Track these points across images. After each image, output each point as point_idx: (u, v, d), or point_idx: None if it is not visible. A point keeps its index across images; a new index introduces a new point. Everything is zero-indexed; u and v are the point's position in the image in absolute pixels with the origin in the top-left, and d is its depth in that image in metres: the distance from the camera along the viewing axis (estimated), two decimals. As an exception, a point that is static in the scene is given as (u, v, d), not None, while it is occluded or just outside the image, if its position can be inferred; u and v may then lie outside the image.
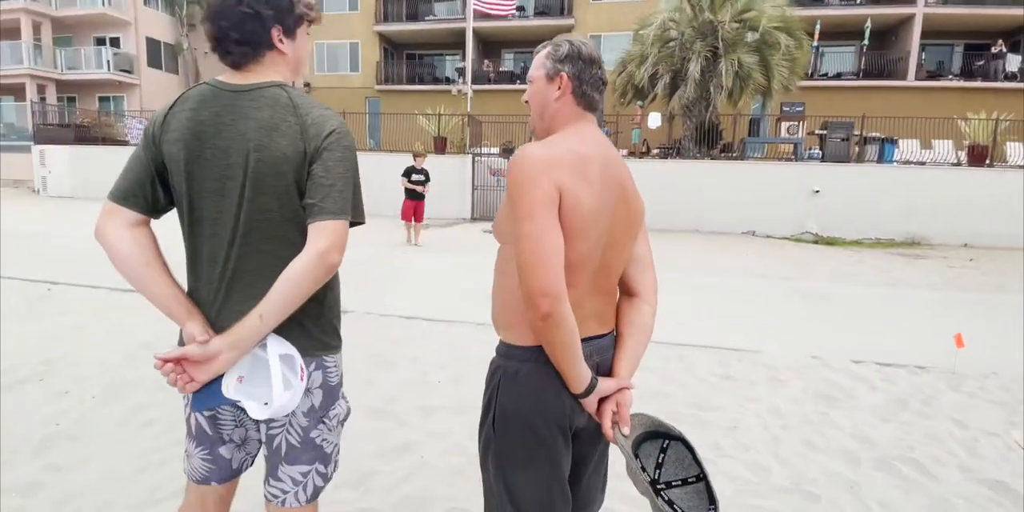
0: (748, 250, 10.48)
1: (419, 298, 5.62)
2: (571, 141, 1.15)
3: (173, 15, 23.08)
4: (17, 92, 21.48)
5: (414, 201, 9.48)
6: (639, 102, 14.77)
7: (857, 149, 13.46)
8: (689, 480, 1.21)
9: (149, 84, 22.32)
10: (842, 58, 19.36)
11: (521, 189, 1.07)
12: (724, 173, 12.91)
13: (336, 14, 21.32)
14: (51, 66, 21.31)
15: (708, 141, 14.09)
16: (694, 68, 12.33)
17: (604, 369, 1.22)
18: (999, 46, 17.36)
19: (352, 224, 1.19)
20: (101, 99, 22.34)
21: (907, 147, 13.99)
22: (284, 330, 1.16)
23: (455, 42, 21.15)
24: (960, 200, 12.01)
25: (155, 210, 1.22)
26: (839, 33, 18.68)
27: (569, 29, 19.75)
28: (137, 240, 1.18)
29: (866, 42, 17.35)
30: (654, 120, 13.77)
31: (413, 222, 9.50)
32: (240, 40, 1.16)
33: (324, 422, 1.27)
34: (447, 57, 22.59)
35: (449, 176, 13.26)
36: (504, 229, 1.18)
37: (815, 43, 17.15)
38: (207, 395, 1.15)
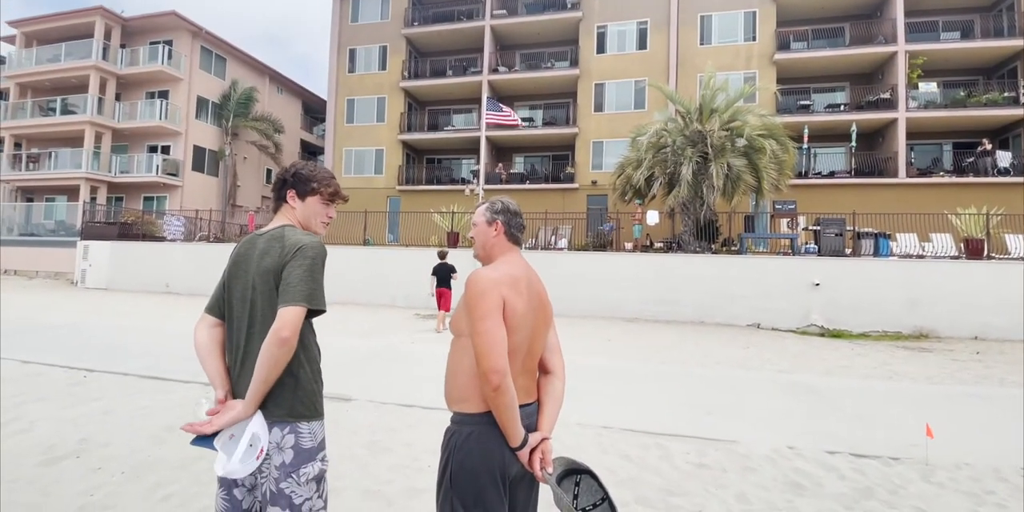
0: (750, 342, 10.61)
1: (417, 387, 5.95)
2: (506, 267, 1.73)
3: (219, 126, 25.67)
4: (71, 192, 23.50)
5: (444, 289, 10.77)
6: (638, 201, 15.78)
7: (852, 244, 13.99)
8: (598, 503, 1.63)
9: (191, 185, 24.33)
10: (834, 158, 20.59)
11: (479, 299, 1.61)
12: (725, 266, 13.38)
13: (366, 125, 23.67)
14: (106, 170, 23.37)
15: (707, 236, 14.81)
16: (686, 171, 13.40)
17: (531, 428, 1.69)
18: (985, 145, 18.40)
19: (314, 312, 1.68)
20: (146, 199, 24.26)
21: (906, 241, 14.45)
22: (267, 398, 1.65)
23: (471, 148, 23.15)
24: (965, 292, 11.97)
25: (223, 317, 1.80)
26: (829, 136, 20.07)
27: (574, 137, 21.58)
28: (211, 336, 1.77)
29: (854, 144, 18.58)
30: (652, 217, 14.63)
31: (441, 311, 10.70)
32: (275, 192, 1.86)
33: (293, 477, 1.62)
34: (463, 160, 24.55)
35: (461, 268, 13.98)
36: (460, 326, 1.71)
37: (805, 145, 18.45)
38: (206, 440, 1.63)
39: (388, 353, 7.95)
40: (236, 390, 1.69)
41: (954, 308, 12.01)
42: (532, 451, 1.64)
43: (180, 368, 6.20)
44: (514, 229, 1.82)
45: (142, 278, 17.45)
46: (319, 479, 1.69)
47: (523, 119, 22.71)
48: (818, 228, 13.94)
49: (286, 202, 1.83)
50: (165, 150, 24.24)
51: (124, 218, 20.15)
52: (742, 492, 3.48)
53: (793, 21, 20.74)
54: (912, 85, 19.01)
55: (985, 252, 12.88)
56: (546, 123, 22.77)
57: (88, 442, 3.78)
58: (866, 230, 14.11)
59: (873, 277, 12.60)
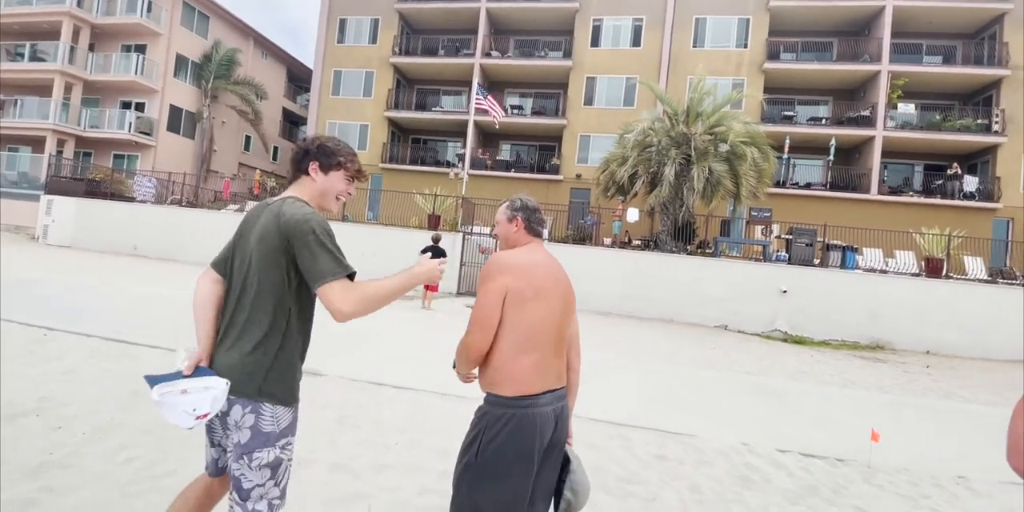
0: (717, 343, 10.89)
1: (388, 366, 5.98)
2: (524, 253, 1.88)
3: (199, 87, 24.83)
4: (36, 144, 22.49)
5: None
6: (621, 197, 15.94)
7: (821, 255, 14.43)
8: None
9: (165, 146, 23.54)
10: (812, 170, 21.10)
11: (486, 279, 1.77)
12: (698, 268, 13.67)
13: (351, 98, 23.20)
14: (75, 123, 22.41)
15: (684, 237, 15.07)
16: (669, 172, 13.59)
17: (563, 413, 1.84)
18: (954, 169, 19.09)
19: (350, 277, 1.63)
20: (116, 156, 23.36)
21: (871, 255, 14.96)
22: (239, 372, 1.60)
23: (458, 131, 22.95)
24: (922, 309, 12.47)
25: (225, 275, 1.79)
26: (808, 148, 20.53)
27: (562, 128, 21.59)
28: (212, 291, 1.77)
29: (831, 158, 19.06)
30: (632, 215, 14.82)
31: (428, 291, 11.32)
32: (294, 163, 1.81)
33: (244, 458, 1.58)
34: (449, 143, 24.34)
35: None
36: None
37: (786, 155, 18.85)
38: (163, 378, 1.62)
39: (362, 331, 7.93)
40: (214, 355, 1.67)
41: (910, 323, 12.53)
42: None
43: (147, 333, 6.09)
44: (534, 223, 1.97)
45: (109, 238, 16.91)
46: (275, 467, 1.62)
47: (512, 106, 22.60)
48: (790, 237, 14.33)
49: (307, 174, 1.77)
50: (139, 107, 23.33)
51: (93, 175, 19.42)
52: (696, 483, 3.63)
53: (785, 32, 21.04)
54: (892, 105, 19.54)
55: (944, 271, 13.42)
56: (535, 112, 22.70)
57: (48, 401, 3.71)
58: (835, 242, 14.56)
59: (838, 288, 13.04)
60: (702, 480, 3.70)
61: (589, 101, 21.43)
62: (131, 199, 18.15)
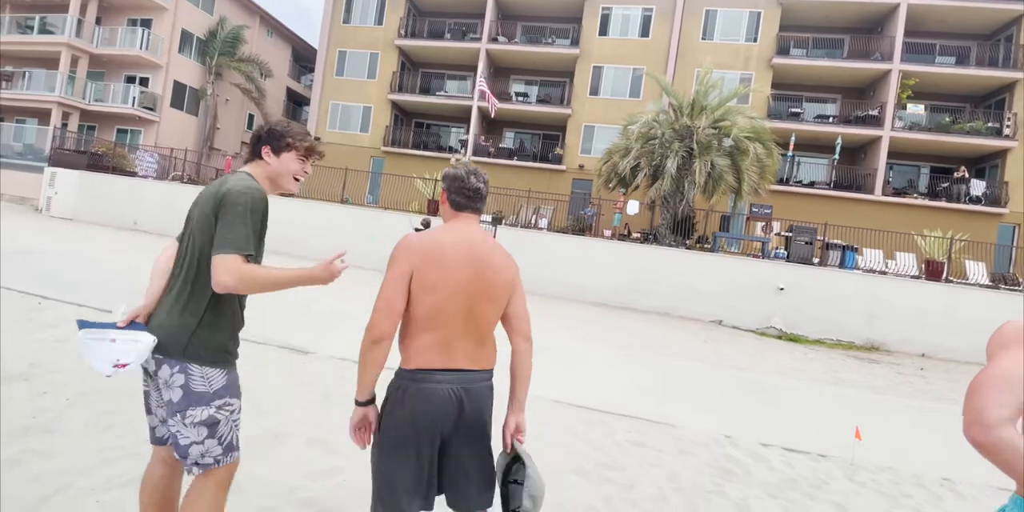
0: (710, 337, 10.91)
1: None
2: (440, 232, 1.78)
3: (203, 64, 24.66)
4: (42, 116, 22.48)
5: None
6: (622, 189, 15.86)
7: (820, 253, 14.39)
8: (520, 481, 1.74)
9: (168, 122, 23.47)
10: (816, 168, 20.96)
11: (390, 263, 1.71)
12: (696, 262, 13.64)
13: (355, 79, 23.01)
14: (80, 96, 22.40)
15: (683, 231, 15.03)
16: (671, 165, 13.48)
17: (472, 397, 1.74)
18: (961, 171, 18.93)
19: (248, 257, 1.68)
20: (120, 131, 23.33)
21: (872, 256, 14.92)
22: (167, 333, 1.70)
23: (461, 116, 22.76)
24: (920, 311, 12.37)
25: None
26: (814, 146, 20.37)
27: (566, 118, 21.41)
28: (168, 257, 1.87)
29: (836, 157, 18.92)
30: (632, 207, 14.76)
31: None
32: (250, 147, 1.91)
33: (178, 416, 1.67)
34: (452, 128, 24.15)
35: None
36: None
37: (791, 153, 18.72)
38: (95, 325, 1.71)
39: (351, 310, 7.94)
40: (154, 313, 1.77)
41: (907, 325, 12.46)
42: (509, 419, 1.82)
43: (138, 304, 6.09)
44: (455, 194, 1.82)
45: (110, 212, 16.91)
46: (211, 425, 1.70)
47: (517, 94, 22.39)
48: (790, 234, 14.28)
49: (261, 157, 1.85)
50: (144, 82, 23.22)
51: (95, 148, 19.40)
52: (674, 472, 3.64)
53: (796, 27, 20.75)
54: (901, 105, 19.34)
55: (944, 275, 13.36)
56: (540, 100, 22.49)
57: (38, 367, 3.74)
58: (835, 241, 14.50)
59: (836, 287, 12.99)
60: (681, 469, 3.71)
61: (595, 91, 21.22)
62: (132, 174, 18.14)
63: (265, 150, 1.84)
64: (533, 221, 15.79)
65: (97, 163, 18.16)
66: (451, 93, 23.13)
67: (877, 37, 20.15)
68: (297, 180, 1.91)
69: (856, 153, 20.83)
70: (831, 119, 20.46)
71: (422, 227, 12.09)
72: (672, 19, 20.50)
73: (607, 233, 15.52)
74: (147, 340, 1.66)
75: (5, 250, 8.36)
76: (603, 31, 21.24)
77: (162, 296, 1.79)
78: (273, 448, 3.16)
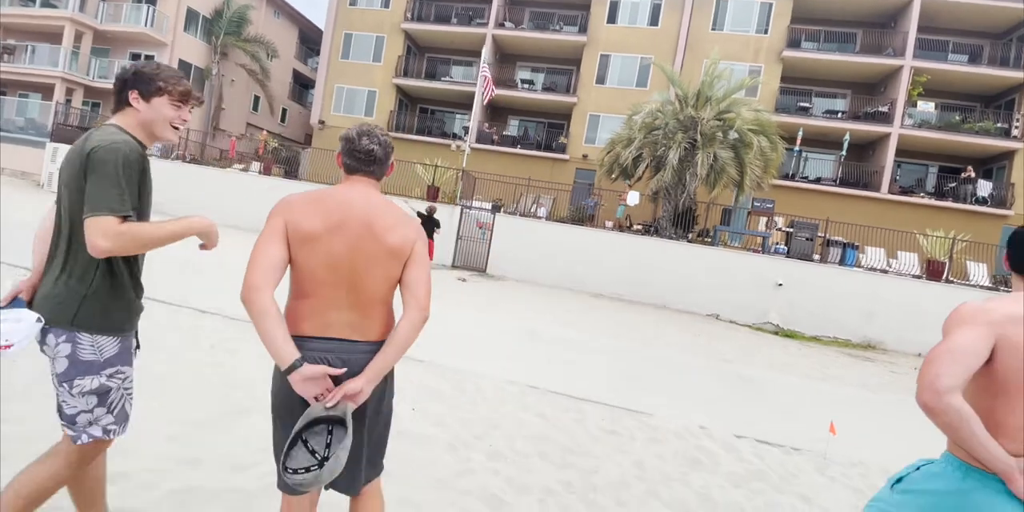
0: (704, 331, 10.86)
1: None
2: (326, 191, 1.70)
3: (209, 43, 24.52)
4: (45, 91, 22.45)
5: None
6: (626, 180, 15.72)
7: (821, 250, 14.28)
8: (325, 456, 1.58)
9: (173, 101, 23.38)
10: (823, 164, 20.74)
11: (268, 216, 1.62)
12: (695, 255, 13.57)
13: (360, 63, 22.84)
14: (84, 72, 22.36)
15: (684, 224, 14.92)
16: (673, 156, 13.36)
17: (354, 368, 1.61)
18: (968, 172, 18.69)
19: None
20: (124, 109, 23.30)
21: (874, 254, 14.79)
22: (52, 301, 1.62)
23: (466, 102, 22.57)
24: (918, 311, 12.22)
25: None
26: (821, 141, 20.13)
27: (572, 106, 21.23)
28: (49, 223, 1.76)
29: (844, 153, 18.69)
30: (633, 198, 14.65)
31: None
32: (114, 95, 1.72)
33: (64, 386, 1.62)
34: (457, 115, 24.00)
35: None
36: None
37: (797, 148, 18.51)
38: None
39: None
40: (41, 283, 1.68)
41: (905, 324, 12.35)
42: (339, 389, 1.58)
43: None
44: (346, 156, 1.71)
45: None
46: (101, 394, 1.64)
47: (523, 81, 22.20)
48: (791, 230, 14.16)
49: (129, 105, 1.69)
50: (148, 60, 23.12)
51: (97, 124, 19.33)
52: (641, 460, 3.62)
53: (808, 19, 20.36)
54: (911, 102, 19.05)
55: (945, 275, 13.24)
56: (546, 88, 22.26)
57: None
58: (836, 238, 14.38)
59: (835, 284, 12.91)
60: (648, 458, 3.69)
61: (601, 80, 20.97)
62: (134, 152, 18.11)
63: (133, 96, 1.67)
64: (532, 210, 15.72)
65: (100, 140, 18.14)
66: (456, 79, 22.94)
67: (890, 32, 19.80)
68: (176, 128, 1.75)
69: (864, 150, 20.58)
70: (840, 115, 20.19)
71: (425, 213, 11.96)
72: (682, 8, 20.19)
73: (609, 224, 15.44)
74: (30, 318, 1.57)
75: (5, 224, 8.38)
76: (611, 19, 20.94)
77: (46, 265, 1.69)
78: (236, 422, 3.16)
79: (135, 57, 23.06)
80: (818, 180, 20.04)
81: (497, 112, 23.09)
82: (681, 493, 3.23)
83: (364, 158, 1.70)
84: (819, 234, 14.17)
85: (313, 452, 1.57)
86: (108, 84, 22.13)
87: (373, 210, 1.65)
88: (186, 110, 1.75)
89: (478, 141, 20.77)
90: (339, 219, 1.61)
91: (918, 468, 1.51)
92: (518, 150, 21.05)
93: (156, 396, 3.33)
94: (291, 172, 19.32)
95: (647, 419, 4.47)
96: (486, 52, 18.57)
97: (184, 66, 23.74)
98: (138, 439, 2.75)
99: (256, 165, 17.64)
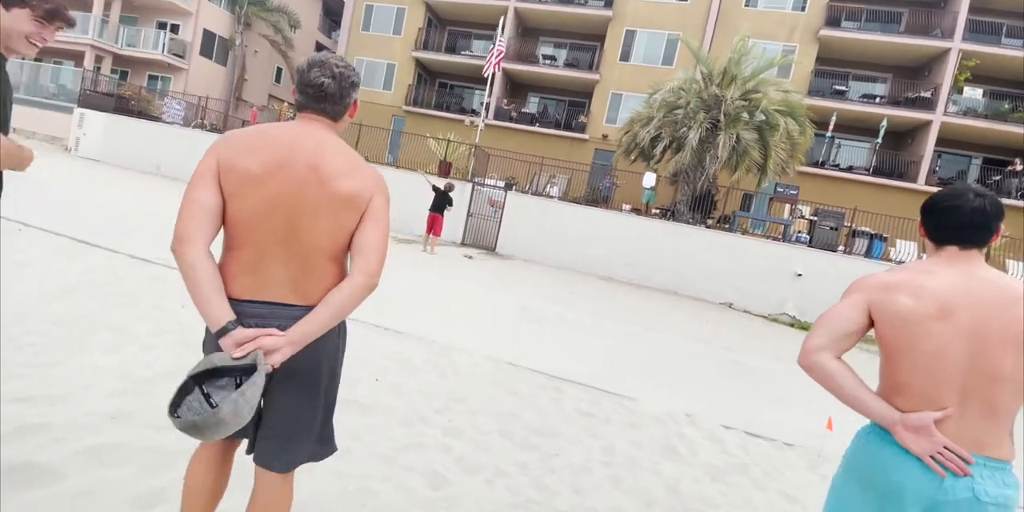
0: (712, 318, 10.49)
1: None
2: (270, 126, 1.49)
3: (233, 13, 24.44)
4: (77, 58, 22.72)
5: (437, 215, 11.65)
6: (646, 162, 15.19)
7: (846, 240, 13.66)
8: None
9: (197, 70, 23.50)
10: (856, 152, 19.79)
11: (203, 156, 1.42)
12: (710, 241, 13.11)
13: (381, 35, 22.48)
14: (112, 40, 22.54)
15: (702, 208, 14.40)
16: (693, 136, 12.77)
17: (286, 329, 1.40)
18: (1016, 164, 17.59)
19: None
20: (151, 77, 23.51)
21: (904, 248, 14.08)
22: None
23: (485, 77, 22.13)
24: (947, 308, 11.84)
25: None
26: (856, 127, 19.18)
27: (594, 84, 20.56)
28: None
29: (879, 140, 17.78)
30: (649, 180, 14.17)
31: (432, 236, 11.60)
32: None
33: None
34: (476, 90, 23.47)
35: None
36: None
37: (830, 133, 17.65)
38: None
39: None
40: None
41: (931, 321, 11.78)
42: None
43: (116, 239, 6.13)
44: (298, 92, 1.49)
45: (134, 155, 17.08)
46: None
47: (545, 57, 21.58)
48: (814, 218, 13.54)
49: None
50: (174, 29, 23.22)
51: (122, 92, 19.58)
52: (611, 445, 3.40)
53: (852, -3, 19.24)
54: (957, 88, 17.94)
55: (979, 272, 12.52)
56: (568, 64, 21.58)
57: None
58: (863, 229, 13.74)
59: (858, 277, 12.30)
60: (621, 443, 3.46)
61: (626, 56, 20.21)
62: (156, 119, 18.27)
63: None
64: (545, 189, 15.37)
65: (124, 106, 18.36)
66: (476, 53, 22.37)
67: (939, 12, 18.58)
68: (34, 45, 1.61)
69: (902, 138, 19.57)
70: (878, 99, 19.15)
71: (442, 189, 11.83)
72: (714, -18, 19.23)
73: (627, 207, 14.98)
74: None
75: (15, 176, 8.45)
76: (639, -8, 20.10)
77: None
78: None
79: (161, 26, 23.16)
80: (850, 168, 19.15)
81: (517, 88, 22.56)
82: (647, 482, 3.00)
83: (314, 93, 1.47)
84: (845, 223, 13.54)
85: (213, 405, 1.37)
86: (136, 52, 22.43)
87: (322, 152, 1.43)
88: (50, 30, 1.61)
89: (496, 118, 20.36)
90: (280, 159, 1.39)
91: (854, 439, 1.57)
92: (536, 128, 20.55)
93: (112, 351, 3.24)
94: (310, 145, 19.29)
95: (629, 403, 4.23)
96: (508, 25, 18.03)
97: (208, 36, 23.77)
98: (78, 392, 2.65)
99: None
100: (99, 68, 22.14)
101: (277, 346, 1.34)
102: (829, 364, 1.39)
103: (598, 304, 9.31)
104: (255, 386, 1.30)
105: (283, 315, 1.41)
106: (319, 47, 29.96)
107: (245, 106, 24.59)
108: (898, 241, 14.20)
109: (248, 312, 1.39)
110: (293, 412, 1.49)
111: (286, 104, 22.29)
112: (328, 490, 2.31)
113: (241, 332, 1.34)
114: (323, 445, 1.59)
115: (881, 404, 1.37)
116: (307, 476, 2.37)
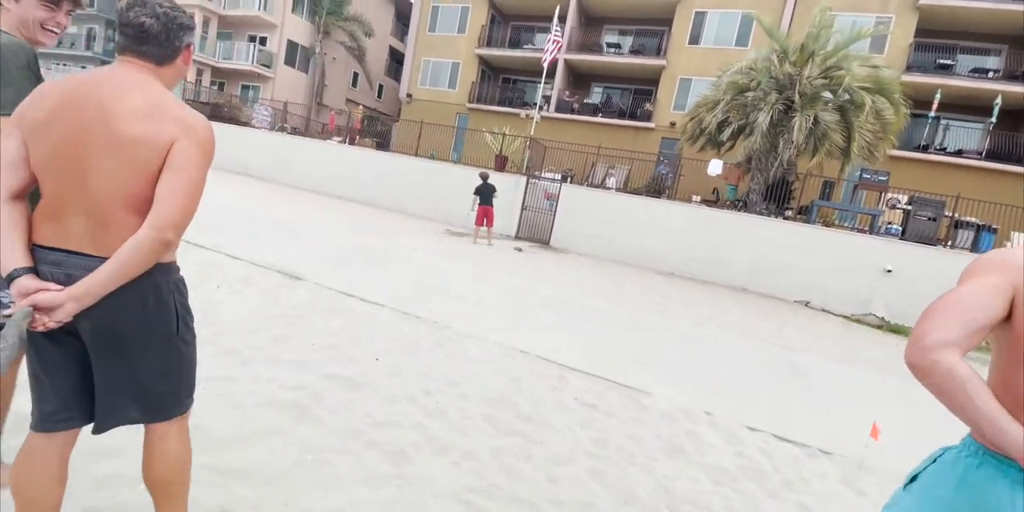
0: (781, 317, 9.66)
1: (373, 283, 5.86)
2: (84, 72, 1.44)
3: (313, 23, 25.90)
4: (185, 74, 25.21)
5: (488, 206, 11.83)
6: (716, 149, 14.32)
7: (947, 232, 12.17)
8: None
9: (282, 79, 25.17)
10: (966, 134, 17.62)
11: None
12: (786, 234, 12.14)
13: (446, 35, 22.87)
14: (211, 54, 24.74)
15: (777, 198, 13.36)
16: (763, 119, 11.79)
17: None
18: None
19: None
20: (243, 87, 25.54)
21: (1020, 242, 12.35)
22: None
23: (549, 70, 21.84)
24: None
25: None
26: (965, 106, 17.07)
27: (660, 70, 19.72)
28: None
29: (993, 120, 15.70)
30: (715, 167, 13.34)
31: (488, 228, 11.86)
32: None
33: None
34: (539, 84, 23.30)
35: (502, 193, 13.63)
36: None
37: (933, 114, 15.84)
38: None
39: (371, 251, 7.98)
40: None
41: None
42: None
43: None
44: (119, 34, 1.43)
45: (224, 157, 18.51)
46: None
47: (609, 45, 20.99)
48: (908, 208, 12.14)
49: (2, 5, 1.63)
50: (262, 41, 25.07)
51: (216, 100, 21.45)
52: (606, 438, 3.16)
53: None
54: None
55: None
56: (633, 51, 20.83)
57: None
58: (969, 219, 12.18)
59: (959, 273, 10.88)
60: (617, 437, 3.21)
61: (695, 39, 19.18)
62: (246, 124, 19.81)
63: None
64: (603, 181, 14.94)
65: (218, 113, 20.15)
66: (539, 46, 22.16)
67: (1070, -31, 16.09)
68: (51, 32, 1.63)
69: (1022, 117, 17.17)
70: (991, 74, 16.92)
71: (480, 180, 11.87)
72: (795, -48, 17.81)
73: (696, 198, 14.22)
74: None
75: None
76: (710, -31, 19.01)
77: None
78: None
79: (251, 39, 25.01)
80: (959, 152, 17.07)
81: (580, 79, 22.11)
82: (636, 479, 2.75)
83: (133, 34, 1.39)
84: (946, 213, 12.05)
85: None
86: (231, 65, 24.36)
87: (117, 92, 1.35)
88: (61, 14, 1.64)
89: (557, 110, 20.07)
90: (70, 102, 1.35)
91: (934, 460, 1.20)
92: (598, 119, 20.02)
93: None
94: (383, 144, 20.10)
95: (641, 397, 3.94)
96: (571, 15, 17.69)
97: (291, 46, 25.37)
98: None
99: (336, 139, 18.67)
100: (200, 80, 24.35)
101: (54, 302, 1.28)
102: (959, 368, 1.00)
103: (646, 297, 8.88)
104: (8, 344, 1.24)
105: (78, 265, 1.34)
106: (392, 51, 31.06)
107: (325, 110, 25.98)
108: (1013, 233, 12.43)
109: (46, 259, 1.35)
110: (118, 375, 1.44)
111: (362, 107, 23.30)
112: (284, 459, 2.31)
113: (24, 281, 1.30)
114: (158, 409, 1.53)
115: (1016, 425, 1.01)
116: (266, 442, 2.39)
